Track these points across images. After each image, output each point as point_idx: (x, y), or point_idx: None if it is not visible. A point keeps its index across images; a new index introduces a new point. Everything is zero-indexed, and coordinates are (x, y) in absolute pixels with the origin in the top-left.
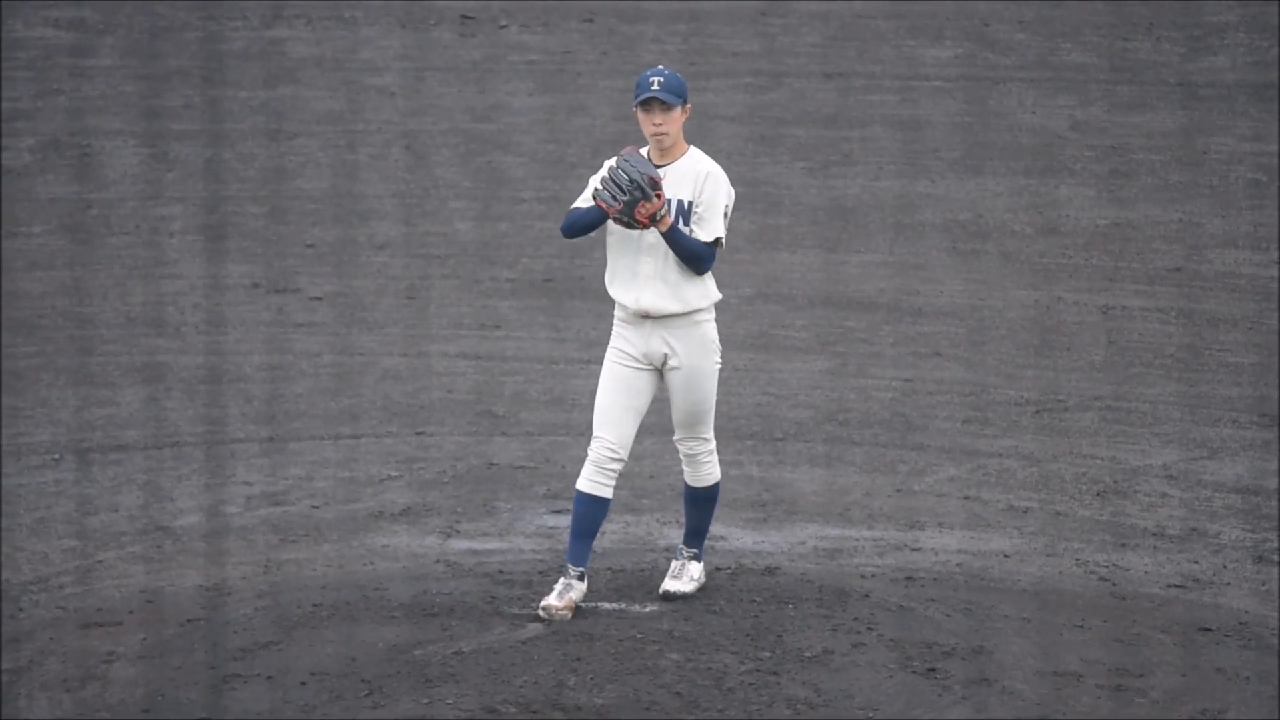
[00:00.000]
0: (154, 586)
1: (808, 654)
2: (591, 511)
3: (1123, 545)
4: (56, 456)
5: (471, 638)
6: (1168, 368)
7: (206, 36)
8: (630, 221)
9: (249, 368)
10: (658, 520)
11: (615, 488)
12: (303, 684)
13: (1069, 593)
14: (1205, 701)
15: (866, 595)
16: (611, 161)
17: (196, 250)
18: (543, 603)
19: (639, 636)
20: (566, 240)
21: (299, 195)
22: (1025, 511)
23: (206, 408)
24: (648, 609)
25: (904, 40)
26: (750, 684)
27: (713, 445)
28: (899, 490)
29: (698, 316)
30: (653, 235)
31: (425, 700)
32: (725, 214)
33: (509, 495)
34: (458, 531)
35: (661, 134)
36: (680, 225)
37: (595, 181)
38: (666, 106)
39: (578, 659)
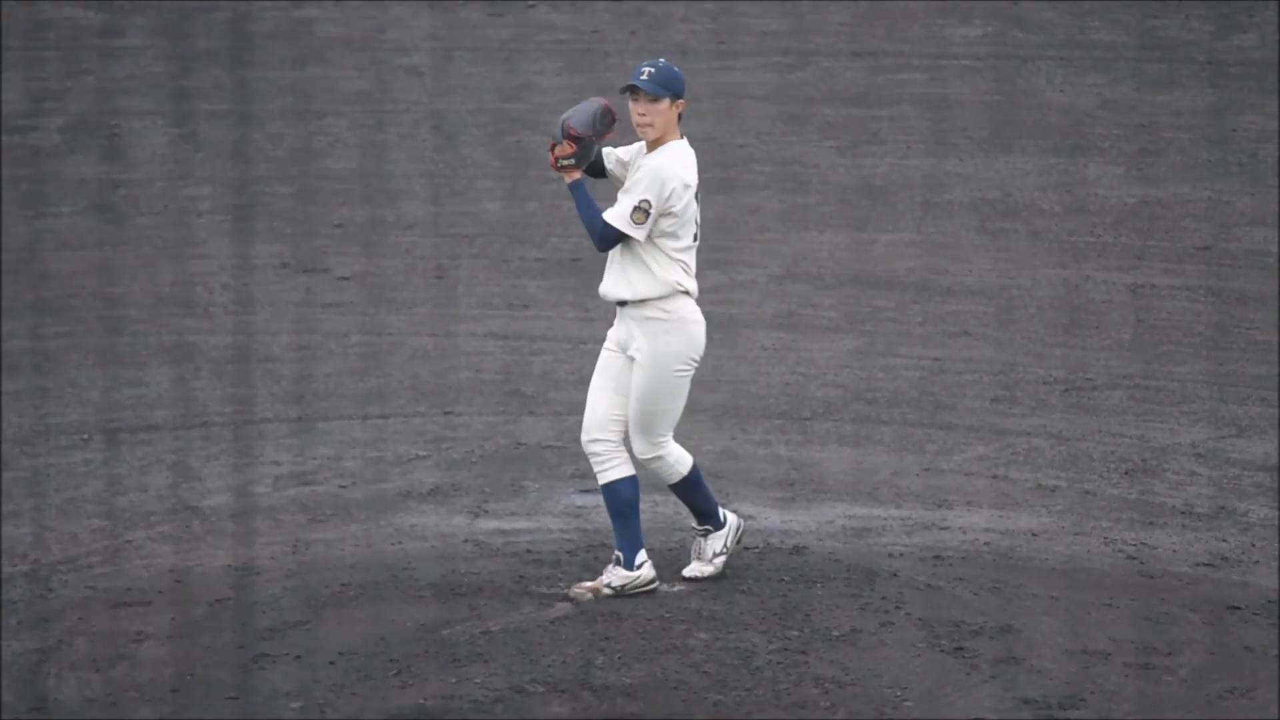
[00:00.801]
0: (183, 566)
1: (835, 633)
2: (607, 499)
3: (1151, 523)
4: (86, 437)
5: (499, 617)
6: (1196, 346)
7: (235, 16)
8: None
9: (277, 348)
10: None
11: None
12: (331, 663)
13: (1097, 571)
14: (1234, 680)
15: (894, 574)
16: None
17: (225, 230)
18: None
19: (667, 616)
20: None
21: (327, 175)
22: (1053, 490)
23: (235, 388)
24: (675, 588)
25: (933, 19)
26: (778, 663)
27: (662, 453)
28: (927, 469)
29: (650, 310)
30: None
31: (453, 679)
32: (643, 207)
33: (537, 475)
34: (486, 511)
35: (645, 125)
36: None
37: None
38: (651, 98)
39: (606, 638)
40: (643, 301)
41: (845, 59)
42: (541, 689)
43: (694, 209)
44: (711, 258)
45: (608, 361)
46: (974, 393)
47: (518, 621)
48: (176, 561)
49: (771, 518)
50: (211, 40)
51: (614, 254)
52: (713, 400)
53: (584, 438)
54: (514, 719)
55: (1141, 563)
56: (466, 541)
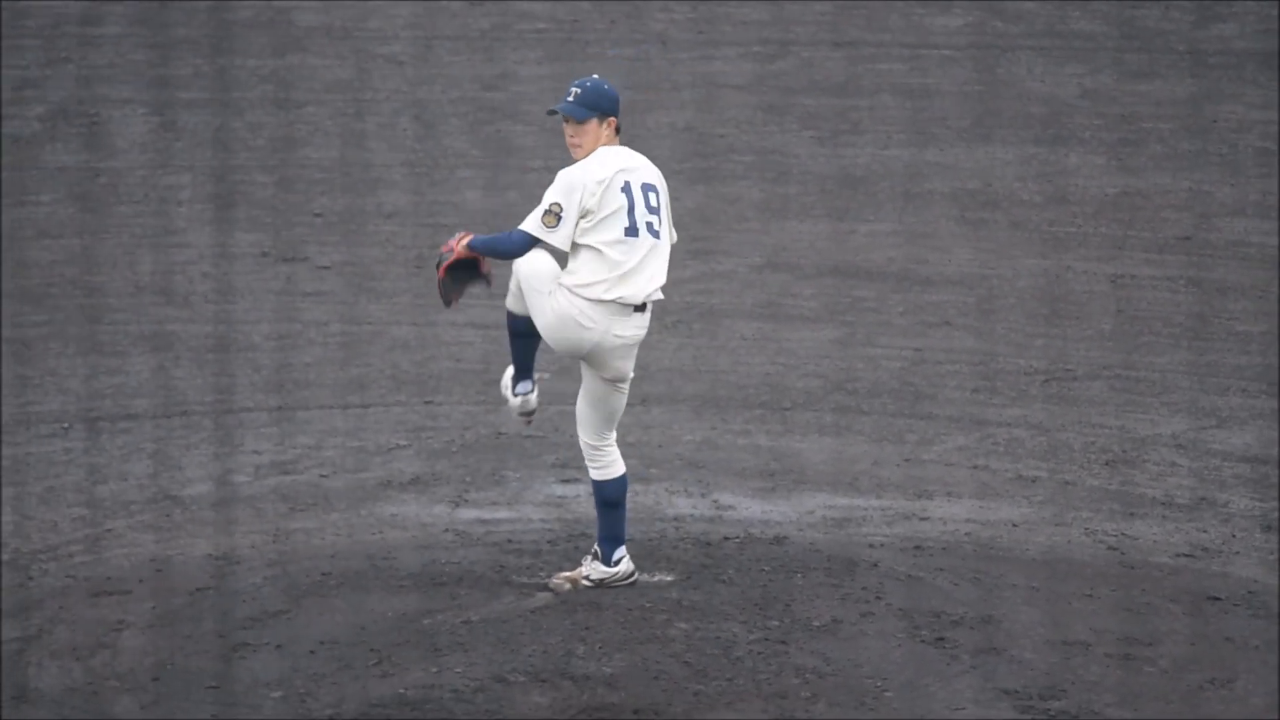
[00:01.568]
0: (163, 555)
1: (816, 623)
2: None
3: (1131, 514)
4: (66, 425)
5: (480, 607)
6: (1176, 336)
7: (215, 5)
8: (450, 285)
9: (258, 336)
10: (666, 489)
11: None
12: (312, 653)
13: (1078, 562)
14: (1214, 670)
15: (875, 564)
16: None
17: (205, 219)
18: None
19: (647, 606)
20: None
21: (307, 164)
22: (1034, 481)
23: (215, 376)
24: (656, 578)
25: (913, 9)
26: (759, 653)
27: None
28: (907, 460)
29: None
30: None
31: (434, 669)
32: (553, 210)
33: (518, 464)
34: (466, 501)
35: (575, 145)
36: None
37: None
38: (577, 121)
39: (586, 628)
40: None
41: (825, 49)
42: (522, 678)
43: (621, 201)
44: (691, 248)
45: None
46: (955, 383)
47: (498, 611)
48: (157, 550)
49: (752, 508)
50: (191, 29)
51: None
52: (693, 390)
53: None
54: (495, 709)
55: (1122, 553)
56: (447, 531)
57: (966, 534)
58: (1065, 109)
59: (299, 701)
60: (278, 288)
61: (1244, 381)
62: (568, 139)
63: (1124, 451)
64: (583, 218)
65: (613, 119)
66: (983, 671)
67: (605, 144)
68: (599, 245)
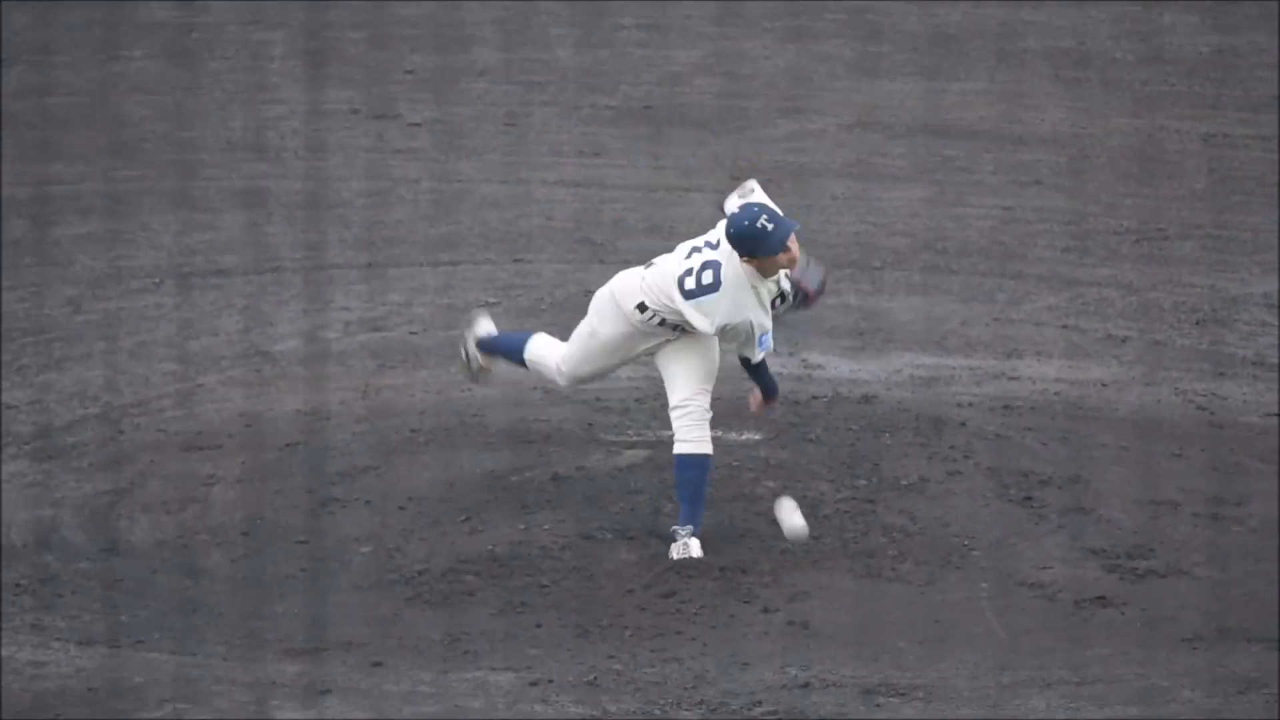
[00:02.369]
0: (253, 410)
1: (904, 482)
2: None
3: (1221, 374)
4: (157, 281)
5: (569, 464)
6: (1269, 196)
7: None
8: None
9: (348, 193)
10: None
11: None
12: (401, 508)
13: (1167, 421)
14: None
15: (963, 424)
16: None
17: (297, 75)
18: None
19: (735, 464)
20: (667, 70)
21: (399, 20)
22: (1124, 340)
23: (306, 233)
24: (744, 437)
25: None
26: (846, 512)
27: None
28: (997, 319)
29: None
30: None
31: (522, 526)
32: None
33: None
34: None
35: (790, 261)
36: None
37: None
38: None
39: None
40: None
41: None
42: (609, 536)
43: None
44: (782, 106)
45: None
46: (1045, 242)
47: (587, 468)
48: (247, 406)
49: (840, 367)
50: None
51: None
52: None
53: (698, 404)
54: (582, 565)
55: (1211, 413)
56: (535, 389)
57: (1055, 393)
58: None
59: (387, 557)
60: (368, 145)
61: None
62: (789, 258)
63: (1214, 311)
64: None
65: None
66: (1070, 531)
67: None
68: None
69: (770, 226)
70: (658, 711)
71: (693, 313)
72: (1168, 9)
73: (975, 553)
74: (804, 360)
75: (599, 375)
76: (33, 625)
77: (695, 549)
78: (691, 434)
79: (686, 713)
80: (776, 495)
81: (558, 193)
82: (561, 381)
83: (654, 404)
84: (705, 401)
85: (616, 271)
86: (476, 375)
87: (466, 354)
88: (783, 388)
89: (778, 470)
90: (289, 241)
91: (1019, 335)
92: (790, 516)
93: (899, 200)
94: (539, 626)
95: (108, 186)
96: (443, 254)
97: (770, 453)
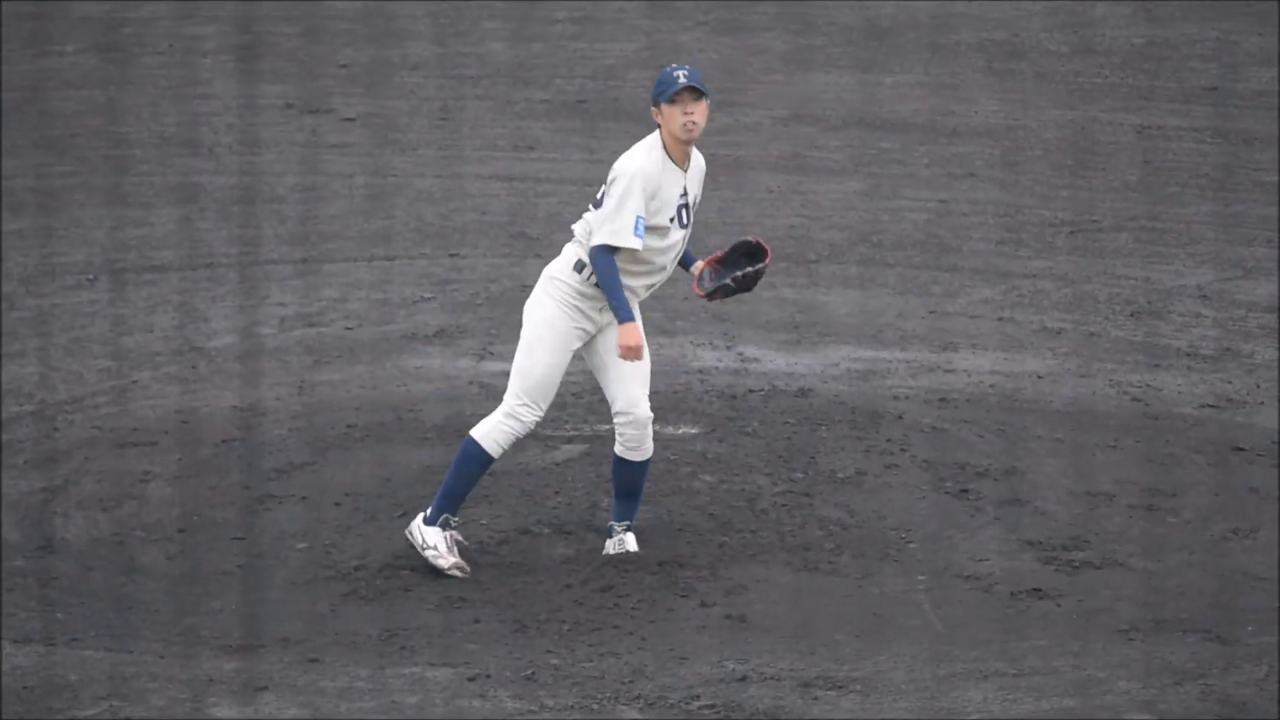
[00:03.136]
0: (189, 407)
1: (841, 475)
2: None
3: (1156, 365)
4: (91, 277)
5: (506, 459)
6: (1202, 187)
7: None
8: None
9: (282, 189)
10: (691, 342)
11: (644, 312)
12: (337, 504)
13: (1102, 413)
14: (1237, 520)
15: (899, 417)
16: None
17: (230, 70)
18: (450, 564)
19: (672, 458)
20: (601, 64)
21: (332, 14)
22: (1059, 332)
23: (240, 229)
24: (681, 431)
25: None
26: (783, 505)
27: None
28: (932, 312)
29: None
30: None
31: (458, 521)
32: None
33: None
34: (491, 354)
35: (693, 124)
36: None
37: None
38: (699, 95)
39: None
40: None
41: None
42: (546, 530)
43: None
44: (717, 100)
45: (574, 350)
46: (980, 235)
47: (524, 463)
48: (183, 402)
49: (777, 360)
50: None
51: (668, 265)
52: (718, 242)
53: (534, 420)
54: (520, 560)
55: (1146, 404)
56: (472, 384)
57: (991, 386)
58: None
59: (324, 553)
60: (302, 140)
61: (1269, 232)
62: (685, 117)
63: (1149, 302)
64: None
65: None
66: (1006, 523)
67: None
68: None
69: (677, 74)
70: (595, 706)
71: (604, 208)
72: (1099, 1)
73: (912, 545)
74: (740, 354)
75: (553, 383)
76: None
77: (631, 543)
78: (633, 441)
79: (624, 707)
80: (713, 489)
81: (492, 187)
82: (525, 417)
83: (590, 399)
84: (646, 408)
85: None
86: (456, 559)
87: (424, 544)
88: (719, 382)
89: (714, 464)
90: (223, 237)
91: (954, 328)
92: None
93: (834, 193)
94: (476, 622)
95: (39, 182)
96: (378, 249)
97: (707, 446)
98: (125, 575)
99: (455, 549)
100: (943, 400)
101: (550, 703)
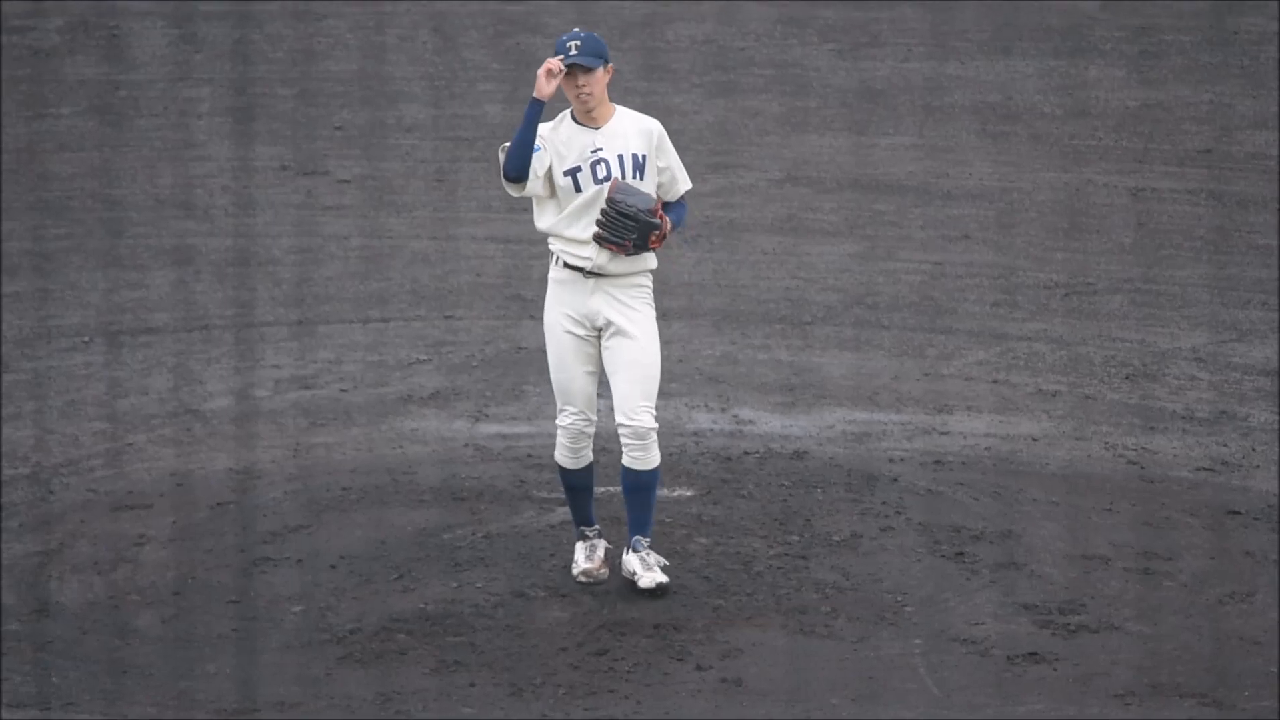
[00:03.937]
0: (184, 470)
1: (836, 538)
2: (585, 478)
3: (1151, 428)
4: (86, 339)
5: (501, 521)
6: (1197, 250)
7: None
8: (643, 248)
9: (278, 250)
10: (686, 404)
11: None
12: (332, 567)
13: (1097, 476)
14: (1234, 584)
15: (895, 479)
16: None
17: (225, 132)
18: (578, 569)
19: (667, 520)
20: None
21: (327, 77)
22: (1054, 395)
23: (236, 290)
24: (676, 493)
25: None
26: (778, 568)
27: (656, 422)
28: (927, 374)
29: (642, 278)
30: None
31: (454, 584)
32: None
33: (538, 379)
34: (486, 416)
35: (586, 95)
36: (635, 177)
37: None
38: (587, 70)
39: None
40: (639, 272)
41: None
42: (542, 593)
43: None
44: (711, 161)
45: (578, 346)
46: (975, 297)
47: (519, 526)
48: (178, 465)
49: (772, 422)
50: None
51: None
52: (713, 304)
53: (580, 423)
54: (515, 623)
55: (1142, 467)
56: (467, 446)
57: (986, 449)
58: (1085, 21)
59: (319, 616)
60: (298, 201)
61: (1264, 295)
62: (577, 90)
63: (1144, 365)
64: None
65: (610, 65)
66: (1002, 586)
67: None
68: None
69: (569, 44)
70: None
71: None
72: (1093, 64)
73: (908, 609)
74: (735, 416)
75: (570, 378)
76: None
77: (658, 559)
78: (635, 451)
79: None
80: (708, 551)
81: (487, 248)
82: (562, 420)
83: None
84: (647, 419)
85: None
86: (584, 565)
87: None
88: (714, 444)
89: (710, 526)
90: (218, 299)
91: (950, 390)
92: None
93: (829, 255)
94: (472, 685)
95: (36, 244)
96: (373, 310)
97: (702, 509)
98: (120, 639)
99: (597, 557)
100: (938, 463)
101: None
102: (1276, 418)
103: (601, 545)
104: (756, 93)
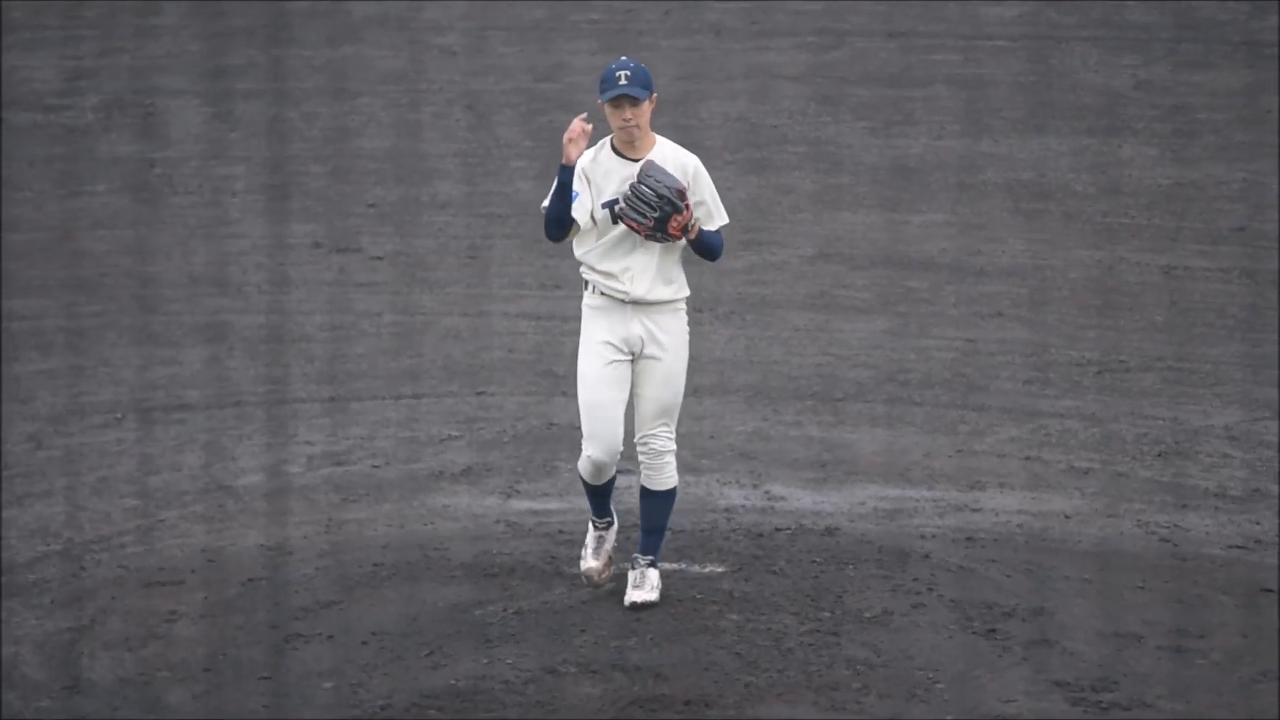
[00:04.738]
0: (216, 546)
1: (867, 614)
2: (604, 487)
3: (1184, 506)
4: (119, 416)
5: (532, 597)
6: (1230, 328)
7: None
8: (663, 236)
9: (311, 327)
10: (718, 480)
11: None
12: (364, 643)
13: (1130, 554)
14: (1267, 663)
15: (927, 556)
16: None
17: (259, 209)
18: (584, 567)
19: (699, 597)
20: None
21: (361, 154)
22: (1086, 472)
23: (268, 367)
24: (707, 569)
25: None
26: (810, 644)
27: (675, 443)
28: (960, 450)
29: (680, 304)
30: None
31: (485, 660)
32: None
33: (570, 455)
34: (518, 491)
35: (632, 127)
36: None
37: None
38: (635, 101)
39: (637, 619)
40: (677, 300)
41: (879, 39)
42: (574, 669)
43: None
44: (744, 238)
45: (614, 373)
46: (1007, 374)
47: (550, 601)
48: (209, 541)
49: (803, 499)
50: (247, 18)
51: (631, 262)
52: (745, 381)
53: (606, 459)
54: (546, 700)
55: (1174, 545)
56: (499, 522)
57: (1018, 525)
58: (1119, 100)
59: (351, 692)
60: (331, 278)
61: None
62: (622, 121)
63: (1177, 443)
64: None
65: (655, 97)
66: (1034, 663)
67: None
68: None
69: (618, 74)
70: None
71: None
72: (1126, 142)
73: (939, 685)
74: (767, 492)
75: (598, 403)
76: None
77: (653, 579)
78: (651, 469)
79: None
80: (739, 627)
81: (520, 325)
82: (584, 449)
83: (618, 537)
84: (663, 439)
85: (578, 404)
86: (590, 563)
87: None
88: (746, 520)
89: (741, 602)
90: (251, 376)
91: (982, 467)
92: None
93: (861, 332)
94: None
95: (69, 321)
96: (405, 387)
97: (733, 585)
98: (151, 715)
99: (603, 552)
100: (970, 539)
101: None
102: None
103: (610, 539)
104: (789, 170)
